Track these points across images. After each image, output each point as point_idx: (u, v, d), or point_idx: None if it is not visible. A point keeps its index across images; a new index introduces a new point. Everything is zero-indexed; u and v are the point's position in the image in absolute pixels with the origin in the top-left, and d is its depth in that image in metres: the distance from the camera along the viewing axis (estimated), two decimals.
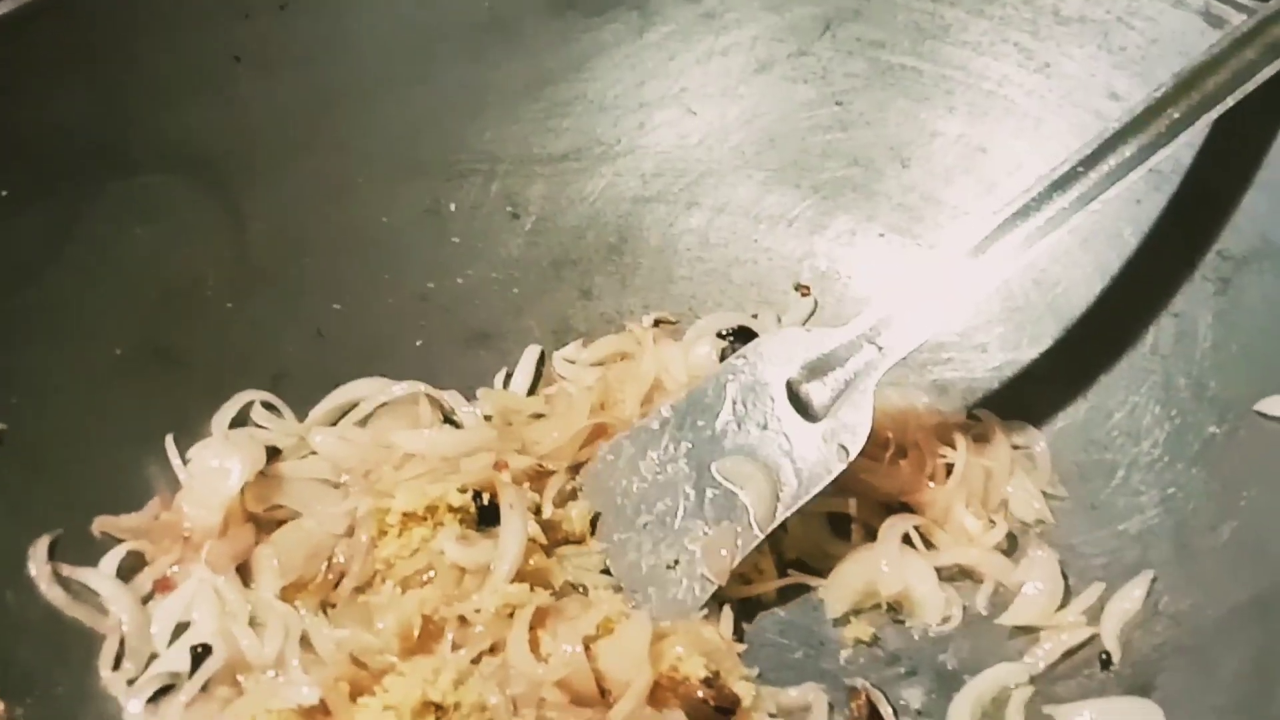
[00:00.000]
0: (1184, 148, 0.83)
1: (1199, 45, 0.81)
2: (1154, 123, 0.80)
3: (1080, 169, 0.80)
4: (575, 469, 0.89)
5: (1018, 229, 0.81)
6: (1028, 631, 0.81)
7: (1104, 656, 0.78)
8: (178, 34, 0.89)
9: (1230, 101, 0.79)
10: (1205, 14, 0.84)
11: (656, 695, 0.75)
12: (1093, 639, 0.79)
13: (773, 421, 0.84)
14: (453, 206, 0.98)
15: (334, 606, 0.81)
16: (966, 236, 0.82)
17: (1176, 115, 0.79)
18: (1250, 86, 0.79)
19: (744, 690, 0.76)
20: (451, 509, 0.82)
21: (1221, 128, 0.82)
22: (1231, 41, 0.80)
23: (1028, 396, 0.90)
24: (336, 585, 0.82)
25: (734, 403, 0.85)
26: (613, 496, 0.87)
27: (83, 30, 0.85)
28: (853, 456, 0.82)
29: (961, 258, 0.82)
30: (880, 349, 0.83)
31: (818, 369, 0.84)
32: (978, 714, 0.78)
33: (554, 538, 0.86)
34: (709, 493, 0.84)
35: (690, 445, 0.86)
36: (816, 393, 0.84)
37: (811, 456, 0.82)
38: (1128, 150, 0.80)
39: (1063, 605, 0.82)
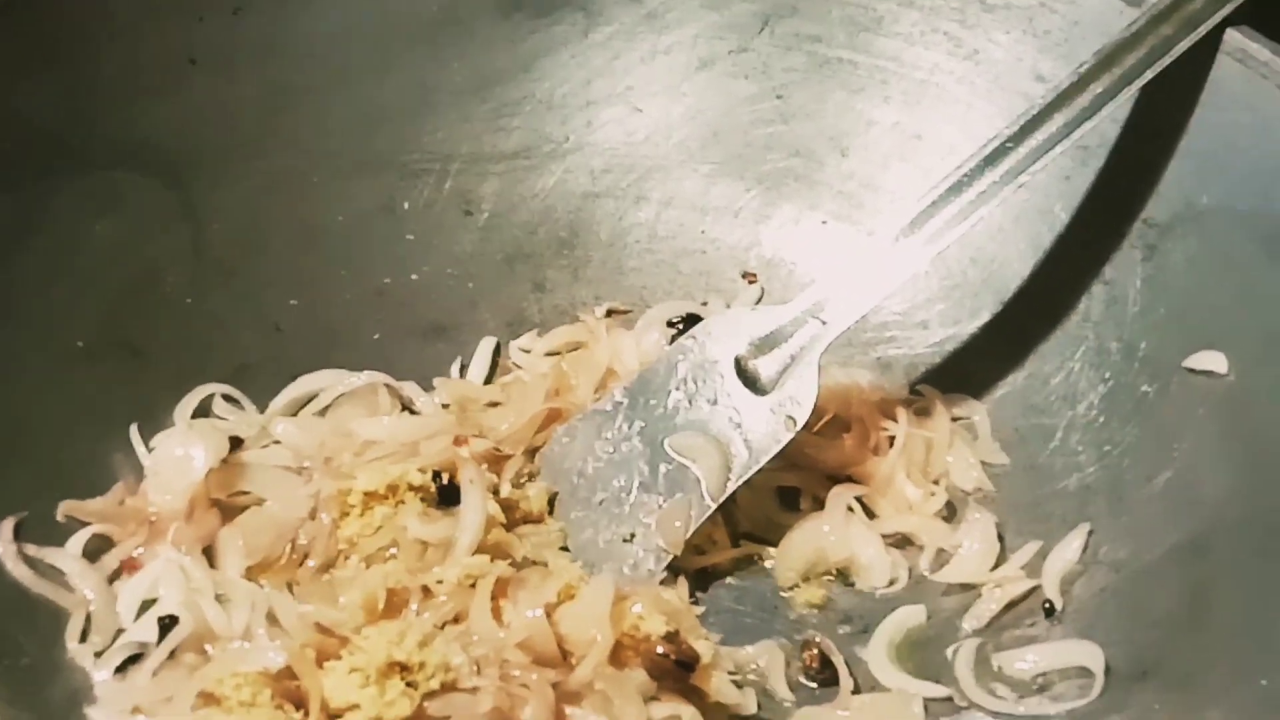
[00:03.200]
0: (1108, 123, 0.87)
1: (1119, 25, 0.85)
2: (1077, 98, 0.83)
3: (1009, 145, 0.84)
4: (532, 453, 0.91)
5: (950, 205, 0.84)
6: (970, 589, 0.84)
7: (1046, 606, 0.81)
8: (135, 35, 0.91)
9: (1149, 75, 0.83)
10: None
11: (618, 655, 0.76)
12: (1034, 591, 0.82)
13: (722, 397, 0.87)
14: (407, 204, 1.00)
15: (299, 585, 0.82)
16: (902, 214, 0.85)
17: (1099, 90, 0.83)
18: (1168, 60, 0.83)
19: (704, 648, 0.78)
20: (412, 488, 0.84)
21: (1143, 102, 0.86)
22: (1149, 19, 0.84)
23: (968, 369, 0.94)
24: (300, 565, 0.83)
25: (684, 380, 0.88)
26: (569, 476, 0.89)
27: (44, 29, 0.87)
28: (800, 426, 0.85)
29: (898, 235, 0.85)
30: (823, 323, 0.85)
31: (764, 345, 0.87)
32: (890, 654, 0.81)
33: (513, 518, 0.87)
34: (662, 468, 0.86)
35: (643, 424, 0.88)
36: (764, 367, 0.87)
37: (760, 428, 0.85)
38: (1053, 125, 0.83)
39: (1001, 562, 0.85)
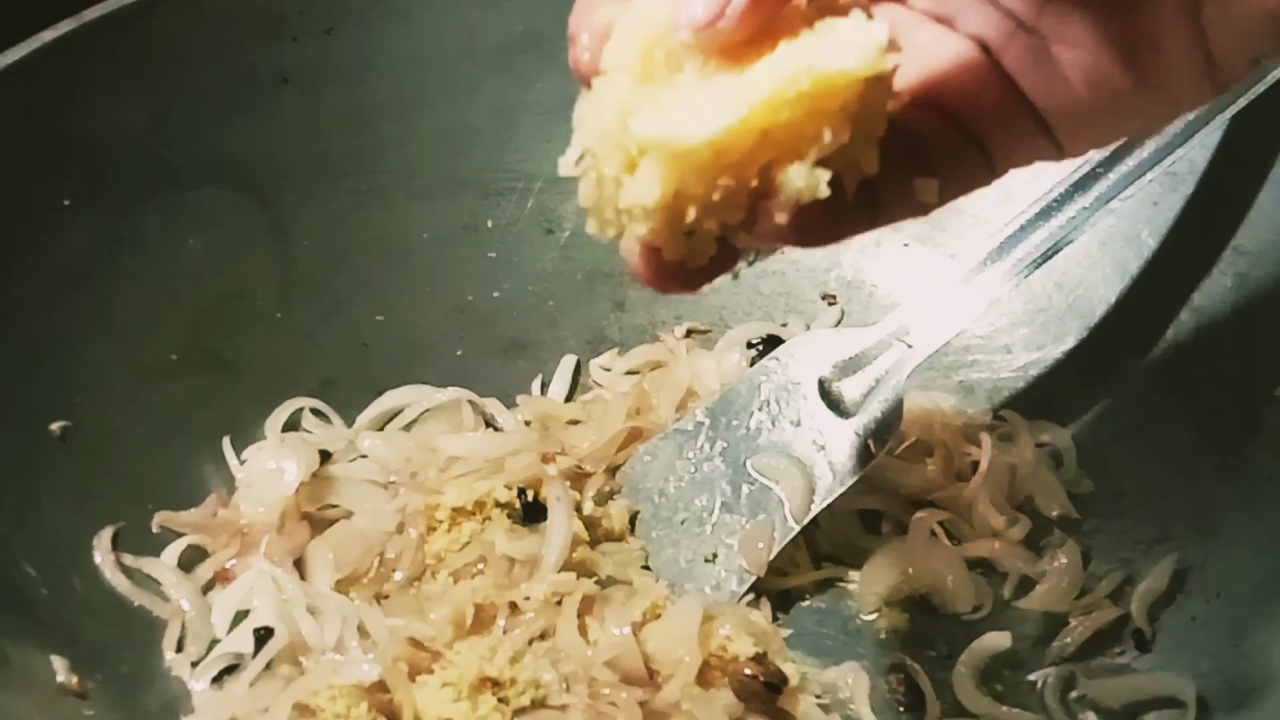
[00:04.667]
0: (1198, 149, 0.86)
1: None
2: (1169, 125, 0.83)
3: (1099, 170, 0.84)
4: (613, 471, 0.92)
5: (1039, 230, 0.84)
6: (1056, 616, 0.84)
7: (1136, 635, 0.80)
8: (229, 55, 0.92)
9: (1242, 103, 0.82)
10: None
11: (705, 675, 0.77)
12: (1122, 620, 0.81)
13: (806, 419, 0.87)
14: (489, 222, 1.01)
15: (387, 598, 0.83)
16: (990, 239, 0.85)
17: (1191, 116, 0.83)
18: (1261, 88, 0.82)
19: (791, 671, 0.78)
20: (498, 504, 0.85)
21: (1234, 129, 0.86)
22: None
23: (1052, 394, 0.93)
24: (388, 579, 0.84)
25: (767, 402, 0.88)
26: (651, 495, 0.89)
27: (139, 49, 0.88)
28: (885, 449, 0.84)
29: (985, 259, 0.85)
30: (909, 346, 0.85)
31: (848, 367, 0.87)
32: (976, 680, 0.80)
33: (594, 536, 0.88)
34: (745, 489, 0.87)
35: (725, 444, 0.88)
36: (848, 390, 0.87)
37: (844, 451, 0.85)
38: (1144, 152, 0.83)
39: (1086, 590, 0.84)
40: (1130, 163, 0.83)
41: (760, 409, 0.88)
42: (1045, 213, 0.84)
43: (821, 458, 0.85)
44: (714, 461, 0.88)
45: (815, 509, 0.85)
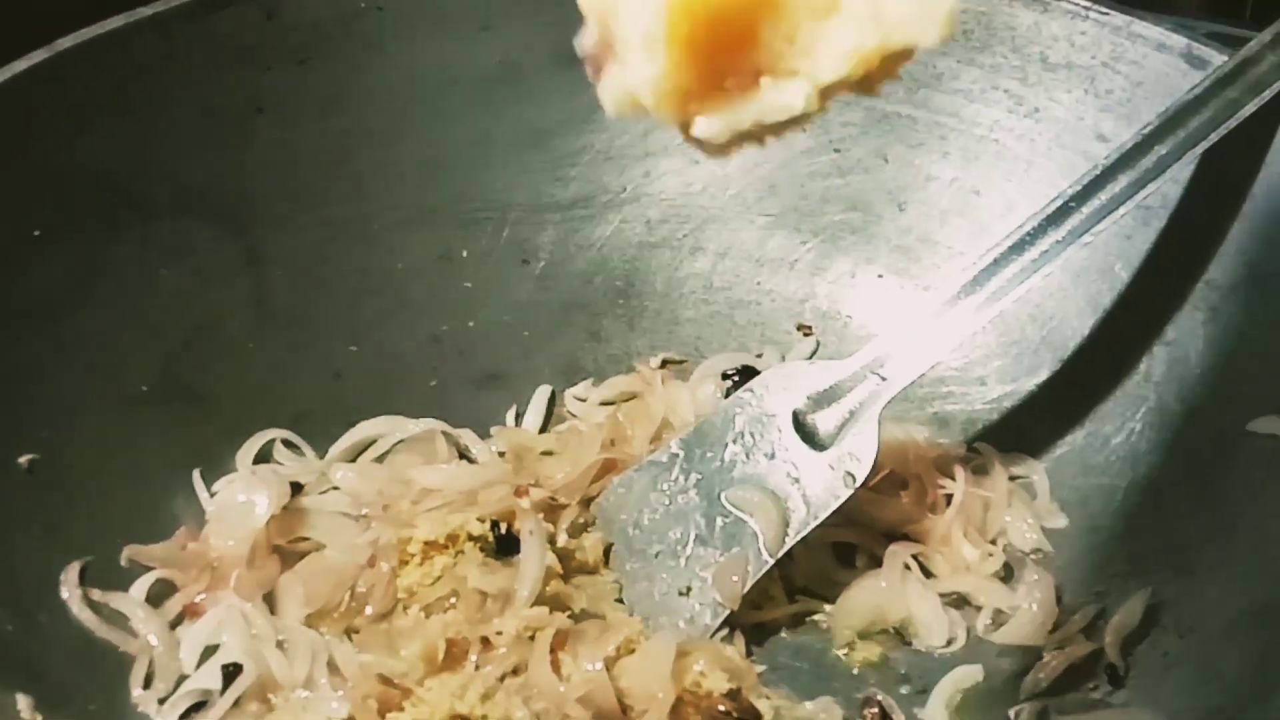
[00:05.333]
0: (1171, 184, 0.87)
1: (1182, 86, 0.85)
2: (1141, 160, 0.84)
3: (1071, 205, 0.84)
4: (587, 503, 0.91)
5: (1012, 263, 0.84)
6: (1030, 650, 0.83)
7: (1109, 670, 0.80)
8: (203, 85, 0.92)
9: (1214, 138, 0.83)
10: (1187, 56, 0.88)
11: (678, 711, 0.76)
12: (1095, 655, 0.81)
13: (780, 451, 0.87)
14: (465, 252, 1.01)
15: (358, 633, 0.82)
16: (963, 272, 0.86)
17: (1163, 152, 0.83)
18: (1232, 123, 0.83)
19: (764, 706, 0.78)
20: (471, 538, 0.84)
21: (1206, 164, 0.86)
22: (1213, 82, 0.84)
23: (1026, 426, 0.94)
24: (359, 613, 0.84)
25: (742, 434, 0.88)
26: (625, 527, 0.89)
27: (113, 79, 0.88)
28: (859, 482, 0.84)
29: (959, 292, 0.85)
30: (883, 379, 0.86)
31: (823, 400, 0.87)
32: (949, 715, 0.80)
33: (568, 568, 0.87)
34: (719, 521, 0.86)
35: (700, 476, 0.88)
36: (822, 422, 0.87)
37: (819, 484, 0.85)
38: (1116, 186, 0.84)
39: (1060, 625, 0.84)
40: (1103, 197, 0.84)
41: (735, 441, 0.88)
42: (1018, 246, 0.84)
43: (796, 490, 0.85)
44: (689, 494, 0.88)
45: (789, 542, 0.84)
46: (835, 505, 0.84)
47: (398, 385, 0.97)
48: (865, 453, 0.85)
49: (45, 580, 0.79)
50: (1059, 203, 0.84)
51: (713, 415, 0.90)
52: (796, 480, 0.86)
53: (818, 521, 0.84)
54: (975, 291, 0.85)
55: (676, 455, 0.89)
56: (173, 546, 0.84)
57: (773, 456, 0.87)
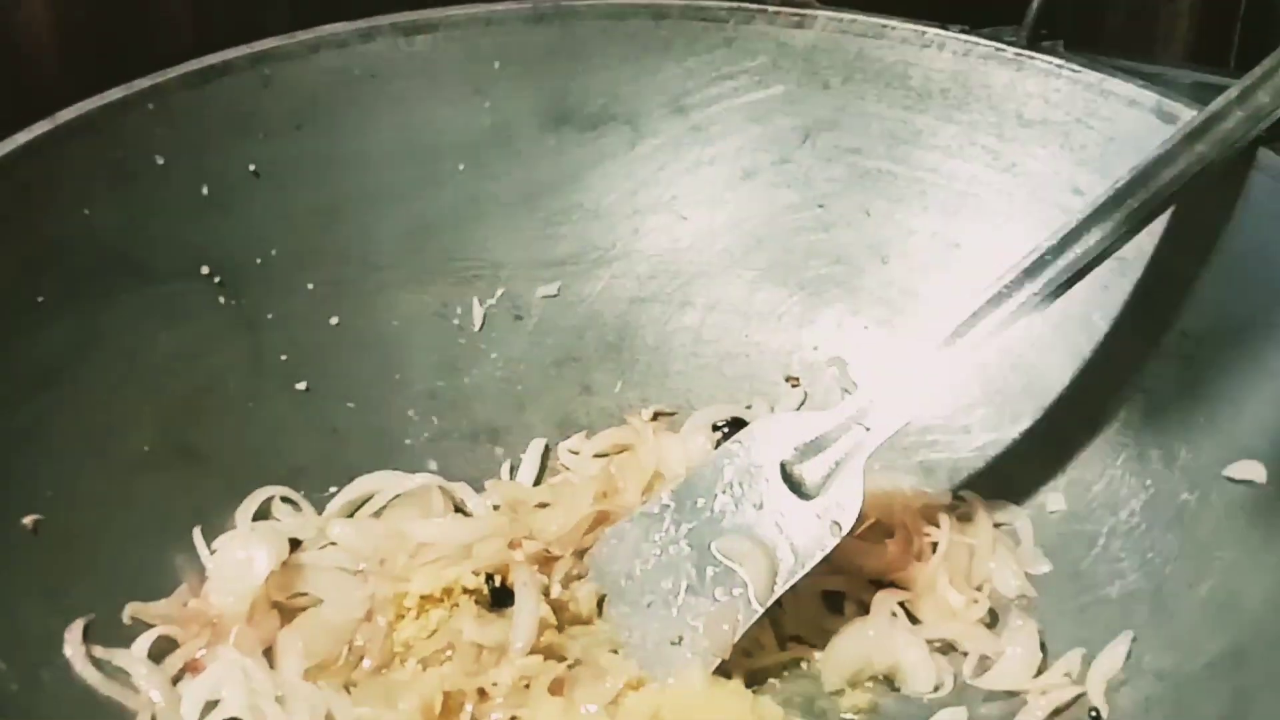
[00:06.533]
0: (1145, 235, 0.88)
1: (1153, 140, 0.88)
2: (1114, 213, 0.85)
3: (1048, 258, 0.86)
4: (581, 554, 0.93)
5: (992, 315, 0.86)
6: (1014, 695, 0.85)
7: (1093, 714, 0.82)
8: (201, 152, 0.94)
9: (1184, 192, 0.85)
10: (1158, 111, 0.91)
11: None
12: (1079, 699, 0.83)
13: (768, 501, 0.88)
14: (459, 310, 1.03)
15: (356, 686, 0.84)
16: (944, 324, 0.87)
17: (1135, 205, 0.85)
18: (1202, 179, 0.85)
19: None
20: (466, 590, 0.86)
21: (1179, 215, 0.89)
22: (1182, 137, 0.86)
23: (1010, 474, 0.95)
24: (357, 667, 0.85)
25: (731, 484, 0.90)
26: (618, 579, 0.90)
27: (112, 148, 0.90)
28: (845, 531, 0.86)
29: (940, 344, 0.86)
30: (867, 429, 0.87)
31: (809, 450, 0.88)
32: None
33: (562, 619, 0.89)
34: (709, 571, 0.88)
35: (690, 526, 0.90)
36: (809, 473, 0.88)
37: (806, 533, 0.87)
38: (1091, 239, 0.85)
39: (1044, 669, 0.86)
40: (1077, 250, 0.85)
41: (724, 492, 0.90)
42: (997, 299, 0.86)
43: (784, 540, 0.87)
44: (679, 544, 0.89)
45: (778, 591, 0.86)
46: (822, 554, 0.86)
47: (394, 441, 0.99)
48: (851, 502, 0.86)
49: (49, 638, 0.80)
50: (1035, 256, 0.86)
51: (702, 466, 0.92)
52: (784, 530, 0.87)
53: (805, 570, 0.86)
54: (954, 343, 0.86)
55: (667, 506, 0.91)
56: (174, 603, 0.86)
57: (761, 507, 0.88)
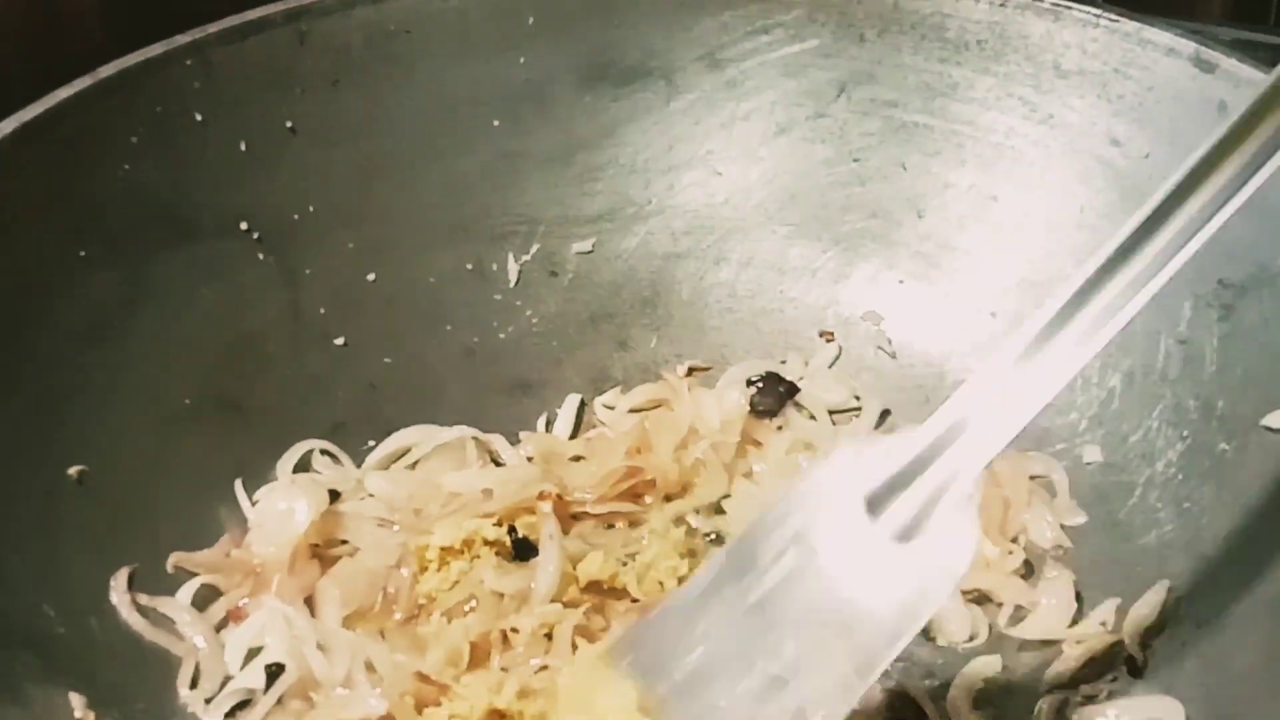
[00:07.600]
0: None
1: (1191, 90, 0.87)
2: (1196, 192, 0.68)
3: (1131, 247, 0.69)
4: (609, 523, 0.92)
5: (1076, 319, 0.68)
6: (1050, 644, 0.85)
7: (1129, 662, 0.82)
8: (238, 108, 0.95)
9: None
10: (1196, 60, 0.90)
11: None
12: (1115, 647, 0.83)
13: (851, 552, 0.71)
14: (495, 266, 1.04)
15: (388, 635, 0.85)
16: (1026, 332, 0.69)
17: (1222, 182, 0.68)
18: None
19: None
20: (487, 542, 0.87)
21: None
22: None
23: (1046, 426, 0.94)
24: (390, 616, 0.86)
25: (799, 536, 0.72)
26: (671, 674, 0.74)
27: (153, 105, 0.91)
28: (960, 577, 0.69)
29: (1026, 349, 0.68)
30: (968, 447, 0.69)
31: (896, 484, 0.70)
32: (970, 705, 0.82)
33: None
34: (790, 647, 0.71)
35: (752, 596, 0.72)
36: (899, 511, 0.70)
37: (907, 585, 0.69)
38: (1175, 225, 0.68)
39: (1079, 619, 0.86)
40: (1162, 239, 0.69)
41: (791, 548, 0.72)
42: (1078, 299, 0.69)
43: (880, 598, 0.69)
44: (744, 621, 0.72)
45: (885, 663, 0.68)
46: (932, 610, 0.69)
47: (431, 396, 1.00)
48: (961, 541, 0.68)
49: (95, 586, 0.82)
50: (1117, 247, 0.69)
51: (760, 519, 0.73)
52: (877, 586, 0.70)
53: (915, 631, 0.68)
54: (1060, 330, 0.68)
55: (721, 578, 0.73)
56: (217, 553, 0.87)
57: (846, 559, 0.71)
